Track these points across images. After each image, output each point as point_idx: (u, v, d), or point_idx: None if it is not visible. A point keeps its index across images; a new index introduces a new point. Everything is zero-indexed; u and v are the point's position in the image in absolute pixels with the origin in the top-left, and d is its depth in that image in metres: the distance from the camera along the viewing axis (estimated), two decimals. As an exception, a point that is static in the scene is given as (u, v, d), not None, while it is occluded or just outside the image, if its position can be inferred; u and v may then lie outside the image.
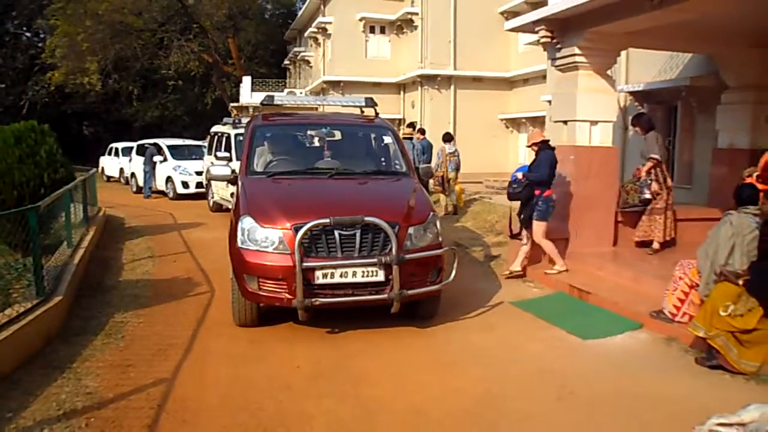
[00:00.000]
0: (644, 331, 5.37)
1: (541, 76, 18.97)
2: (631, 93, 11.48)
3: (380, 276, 5.00)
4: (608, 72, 7.66)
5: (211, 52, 31.53)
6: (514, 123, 22.22)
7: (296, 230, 4.87)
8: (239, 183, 5.87)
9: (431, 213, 5.42)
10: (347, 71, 23.52)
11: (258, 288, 5.06)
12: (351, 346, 5.08)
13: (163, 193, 18.08)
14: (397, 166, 6.41)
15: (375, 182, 6.00)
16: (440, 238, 5.40)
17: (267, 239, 5.03)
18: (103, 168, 25.92)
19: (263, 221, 5.08)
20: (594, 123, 7.56)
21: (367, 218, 4.91)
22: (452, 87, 21.81)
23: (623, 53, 10.28)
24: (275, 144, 6.55)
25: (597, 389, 4.24)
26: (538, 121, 20.08)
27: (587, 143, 7.55)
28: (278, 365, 4.70)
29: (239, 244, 5.12)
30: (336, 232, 4.95)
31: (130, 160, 21.24)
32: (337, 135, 6.68)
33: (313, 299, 4.90)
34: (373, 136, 6.94)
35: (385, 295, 5.00)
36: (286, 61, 36.10)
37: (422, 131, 13.16)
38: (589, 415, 3.88)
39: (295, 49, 32.35)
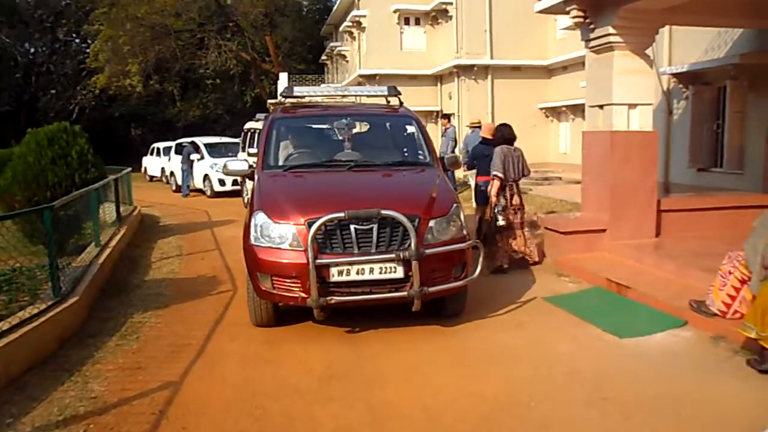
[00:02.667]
0: (688, 328, 4.95)
1: (581, 63, 18.30)
2: (675, 75, 10.89)
3: (399, 272, 4.73)
4: (647, 51, 7.19)
5: (248, 51, 31.72)
6: (554, 112, 21.60)
7: (310, 225, 4.65)
8: (255, 178, 5.69)
9: (454, 204, 5.11)
10: (383, 64, 23.25)
11: (272, 286, 4.86)
12: (368, 347, 4.83)
13: (201, 191, 18.20)
14: (420, 157, 6.12)
15: (396, 174, 5.72)
16: (465, 231, 5.09)
17: (280, 235, 4.82)
18: (145, 168, 26.36)
19: (277, 217, 4.87)
20: (632, 106, 7.10)
21: (383, 211, 4.64)
22: (489, 77, 21.31)
23: (665, 33, 9.77)
24: (293, 137, 6.35)
25: (632, 394, 3.88)
26: (579, 109, 19.45)
27: (625, 128, 7.10)
28: (291, 367, 4.48)
29: (252, 240, 4.93)
30: (352, 227, 4.71)
31: (169, 159, 21.48)
32: (359, 126, 6.44)
33: (329, 298, 4.67)
34: (395, 126, 6.66)
35: (405, 293, 4.73)
36: (323, 57, 36.03)
37: (447, 117, 12.89)
38: (621, 424, 3.52)
39: (332, 44, 32.22)
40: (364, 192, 5.22)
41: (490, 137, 7.97)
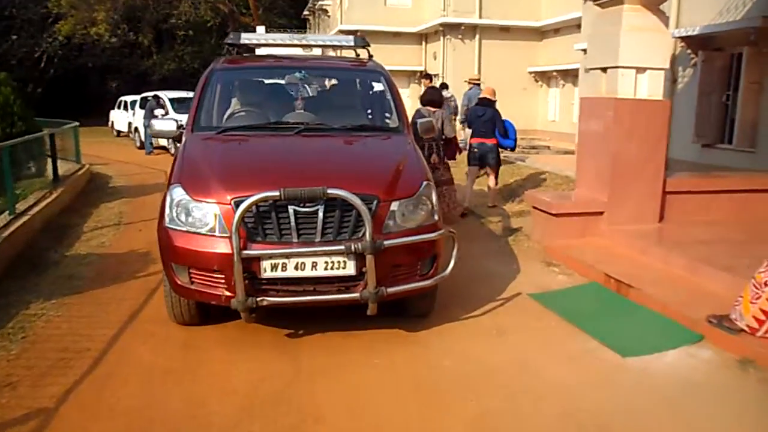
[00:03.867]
0: (707, 345, 4.02)
1: (575, 25, 17.22)
2: (683, 38, 9.81)
3: (350, 268, 3.73)
4: (661, 7, 6.13)
5: (226, 2, 30.04)
6: (545, 76, 20.48)
7: (237, 205, 3.61)
8: (182, 141, 4.62)
9: (424, 182, 4.08)
10: (365, 20, 21.89)
11: (189, 281, 3.84)
12: (310, 359, 3.85)
13: (165, 149, 16.97)
14: (388, 121, 5.08)
15: (355, 141, 4.64)
16: (436, 216, 4.08)
17: (201, 217, 3.78)
18: (112, 122, 24.95)
19: (197, 193, 3.82)
20: (641, 70, 6.07)
21: (331, 190, 3.60)
22: (477, 37, 20.09)
23: (675, -11, 8.67)
24: (236, 92, 5.28)
25: (643, 444, 2.95)
26: (570, 75, 18.40)
27: (632, 95, 6.08)
28: (208, 386, 3.49)
29: (167, 222, 3.88)
30: (291, 209, 3.68)
31: (134, 114, 20.13)
32: (317, 81, 5.34)
33: (259, 298, 3.68)
34: (360, 82, 5.58)
35: (357, 294, 3.74)
36: (306, 12, 34.42)
37: (429, 77, 11.85)
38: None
39: (314, -3, 30.66)
40: (311, 164, 4.15)
41: (491, 98, 8.26)
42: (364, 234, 3.62)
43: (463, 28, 19.87)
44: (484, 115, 8.18)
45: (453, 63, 19.99)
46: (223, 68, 5.28)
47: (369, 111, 5.32)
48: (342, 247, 3.63)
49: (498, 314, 4.69)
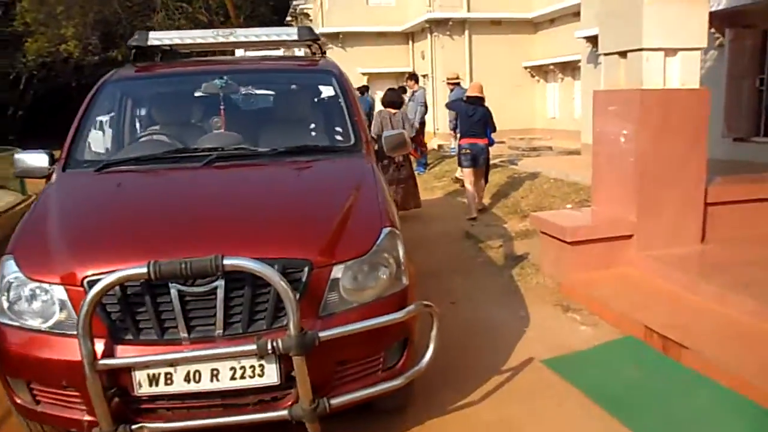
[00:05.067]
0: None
1: (572, 14, 15.90)
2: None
3: (270, 375, 2.42)
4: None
5: (203, 12, 28.76)
6: (541, 71, 19.12)
7: (91, 287, 2.30)
8: (46, 184, 3.31)
9: (385, 229, 2.75)
10: (347, 21, 20.59)
11: (33, 400, 2.53)
12: None
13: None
14: (339, 138, 3.74)
15: (287, 172, 3.28)
16: (405, 280, 2.75)
17: (39, 306, 2.47)
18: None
19: (36, 269, 2.51)
20: (671, 52, 4.75)
21: (229, 260, 2.28)
22: (466, 32, 18.73)
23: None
24: (133, 112, 4.00)
25: None
26: (570, 68, 17.09)
27: (661, 85, 4.75)
28: None
29: (-7, 313, 2.56)
30: (174, 291, 2.37)
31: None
32: (246, 90, 4.03)
33: (136, 425, 2.38)
34: (304, 88, 4.26)
35: (284, 411, 2.43)
36: (288, 18, 33.10)
37: (414, 77, 10.79)
38: None
39: (294, 2, 29.33)
40: (211, 215, 2.79)
41: (480, 96, 7.83)
42: (290, 321, 2.31)
43: (451, 23, 18.53)
44: (475, 115, 7.71)
45: (442, 61, 18.62)
46: (117, 80, 3.97)
47: (314, 125, 3.99)
48: (252, 347, 2.32)
49: (501, 398, 3.35)
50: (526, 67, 19.20)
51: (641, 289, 4.54)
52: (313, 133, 3.91)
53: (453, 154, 10.43)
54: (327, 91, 4.05)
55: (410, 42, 21.29)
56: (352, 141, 3.57)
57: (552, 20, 18.07)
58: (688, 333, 3.71)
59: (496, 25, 18.88)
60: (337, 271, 2.55)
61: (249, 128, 3.72)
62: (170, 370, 2.37)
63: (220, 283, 2.38)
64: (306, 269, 2.48)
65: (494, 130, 7.95)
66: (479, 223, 7.45)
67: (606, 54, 5.14)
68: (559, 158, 12.29)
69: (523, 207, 7.88)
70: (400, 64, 20.65)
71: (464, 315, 4.56)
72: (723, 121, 8.68)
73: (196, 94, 3.91)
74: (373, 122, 7.85)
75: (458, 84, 10.19)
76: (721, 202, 5.16)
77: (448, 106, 9.17)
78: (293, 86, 4.28)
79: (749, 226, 5.30)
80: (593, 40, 11.68)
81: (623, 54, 4.91)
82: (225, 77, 3.79)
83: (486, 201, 8.65)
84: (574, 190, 8.01)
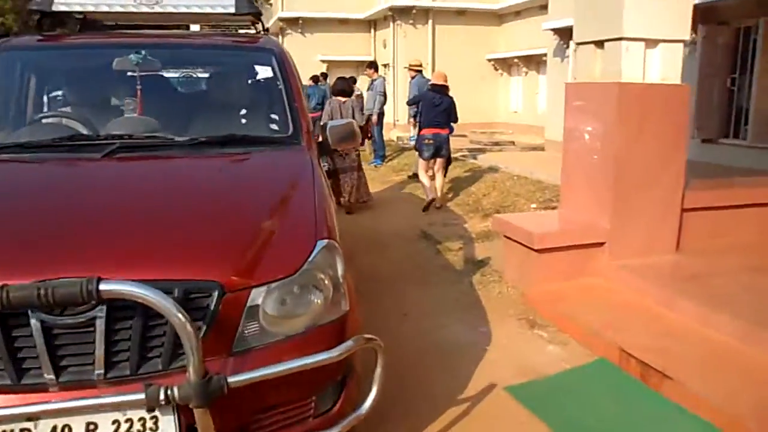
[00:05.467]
0: None
1: (537, 6, 15.59)
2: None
3: (167, 429, 1.86)
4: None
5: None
6: (505, 64, 18.79)
7: None
8: None
9: (320, 242, 2.21)
10: (308, 6, 19.91)
11: None
12: None
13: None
14: (275, 126, 3.18)
15: (206, 167, 2.69)
16: (344, 305, 2.22)
17: None
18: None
19: None
20: (652, 43, 4.32)
21: (107, 284, 1.71)
22: (430, 22, 18.27)
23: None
24: (36, 86, 3.32)
25: None
26: (534, 61, 16.78)
27: (640, 79, 4.32)
28: None
29: None
30: (34, 321, 1.79)
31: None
32: (169, 68, 3.43)
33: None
34: (237, 67, 3.67)
35: (182, 478, 1.88)
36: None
37: (374, 66, 10.38)
38: None
39: (255, -16, 28.40)
40: (96, 221, 2.20)
41: (442, 84, 7.65)
42: (190, 360, 1.76)
43: (414, 11, 18.02)
44: (441, 104, 7.48)
45: (404, 51, 18.10)
46: (11, 48, 3.31)
47: (245, 112, 3.39)
48: (142, 396, 1.76)
49: (461, 437, 2.87)
50: (489, 60, 18.84)
51: (614, 304, 4.12)
52: (244, 121, 3.32)
53: (412, 143, 9.93)
54: (264, 73, 3.47)
55: (372, 30, 20.71)
56: (290, 131, 3.00)
57: (518, 12, 17.74)
58: (669, 358, 3.28)
59: (460, 15, 18.45)
60: (257, 296, 2.01)
61: (169, 113, 3.13)
62: (28, 425, 1.79)
63: (100, 312, 1.81)
64: (215, 294, 1.93)
65: (456, 120, 7.80)
66: (437, 221, 6.98)
67: (580, 43, 4.68)
68: (522, 154, 11.93)
69: (484, 205, 7.44)
70: (361, 53, 20.06)
71: (418, 329, 4.07)
72: (693, 121, 8.40)
73: (111, 70, 3.27)
74: (323, 112, 7.95)
75: (420, 72, 9.70)
76: (696, 208, 4.79)
77: (411, 102, 8.58)
78: (225, 65, 3.67)
79: (723, 234, 4.96)
80: (561, 32, 11.33)
81: (600, 44, 4.46)
82: (143, 52, 3.17)
83: (446, 197, 8.19)
84: (538, 189, 7.60)
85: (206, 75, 3.73)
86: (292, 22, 20.21)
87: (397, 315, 4.29)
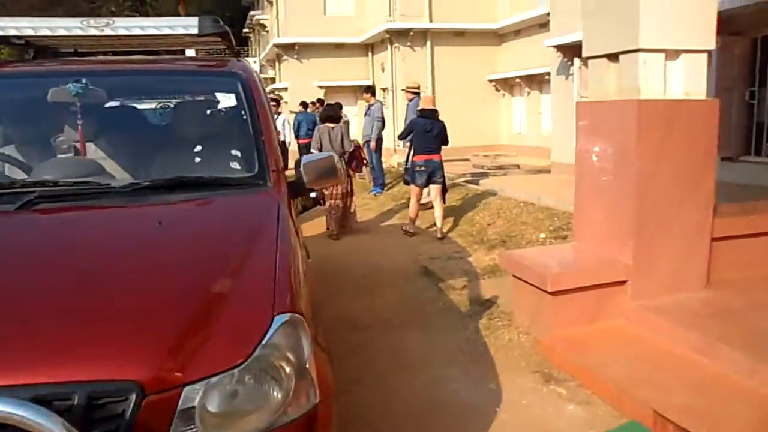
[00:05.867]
0: None
1: (538, 24, 15.23)
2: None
3: None
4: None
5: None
6: (506, 84, 18.41)
7: None
8: None
9: (281, 317, 1.69)
10: (304, 31, 19.66)
11: None
12: None
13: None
14: (235, 165, 2.69)
15: (144, 219, 2.18)
16: (313, 396, 1.71)
17: None
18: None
19: None
20: (673, 54, 3.85)
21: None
22: (428, 44, 17.93)
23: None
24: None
25: None
26: (536, 81, 16.39)
27: (661, 95, 3.84)
28: None
29: None
30: None
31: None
32: (115, 99, 2.96)
33: None
34: (195, 96, 3.20)
35: None
36: (245, 29, 32.02)
37: (371, 90, 10.19)
38: None
39: (251, 12, 28.29)
40: None
41: (432, 108, 7.46)
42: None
43: (412, 34, 17.69)
44: (433, 130, 7.23)
45: (403, 74, 17.71)
46: None
47: (201, 149, 2.90)
48: None
49: None
50: (490, 80, 18.46)
51: (641, 352, 3.58)
52: (199, 159, 2.82)
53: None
54: (227, 101, 3.00)
55: (370, 54, 20.41)
56: (255, 169, 2.51)
57: (517, 31, 17.38)
58: (713, 422, 2.75)
59: (459, 36, 18.12)
60: (193, 394, 1.50)
61: (113, 152, 2.65)
62: None
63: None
64: (132, 397, 1.43)
65: (447, 143, 7.56)
66: (439, 255, 6.47)
67: (591, 57, 4.21)
68: (528, 178, 11.45)
69: (489, 235, 6.93)
70: (359, 77, 19.74)
71: (417, 385, 3.55)
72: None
73: (46, 103, 2.81)
74: (313, 138, 7.80)
75: (418, 94, 9.25)
76: (727, 236, 4.27)
77: (403, 135, 7.86)
78: (182, 93, 3.21)
79: (756, 264, 4.43)
80: (564, 49, 10.92)
81: (614, 57, 3.98)
82: (83, 81, 2.71)
83: (448, 226, 7.69)
84: (547, 216, 7.10)
85: (160, 106, 3.24)
86: (288, 48, 19.94)
87: (394, 368, 3.78)
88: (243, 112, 2.77)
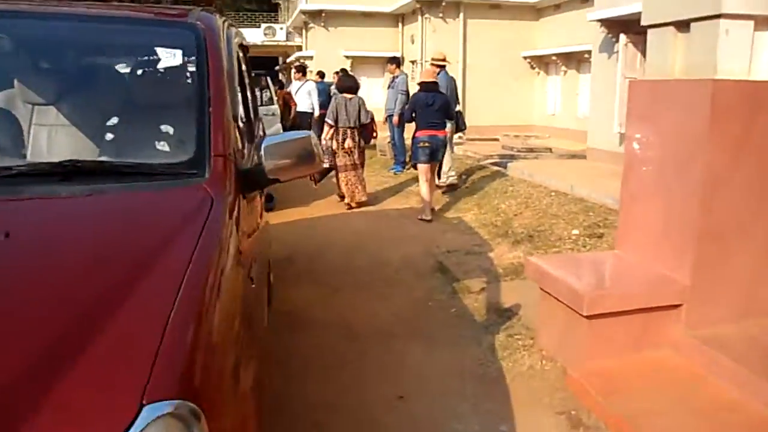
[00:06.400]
0: None
1: (579, -1, 14.20)
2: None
3: None
4: None
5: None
6: (542, 62, 17.38)
7: None
8: None
9: (156, 407, 1.00)
10: (331, -1, 18.79)
11: None
12: None
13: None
14: (164, 146, 1.98)
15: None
16: None
17: None
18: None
19: None
20: (764, 24, 3.03)
21: None
22: (461, 16, 16.93)
23: None
24: None
25: None
26: (574, 59, 15.40)
27: (744, 75, 3.03)
28: None
29: None
30: None
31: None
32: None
33: None
34: (129, 53, 2.49)
35: None
36: (274, -3, 31.20)
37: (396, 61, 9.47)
38: None
39: (280, -23, 27.44)
40: None
41: (432, 81, 7.13)
42: None
43: (444, 4, 16.69)
44: (435, 103, 6.84)
45: (433, 46, 16.63)
46: None
47: (115, 120, 2.16)
48: None
49: None
50: (525, 57, 17.45)
51: (697, 399, 2.84)
52: (110, 136, 2.09)
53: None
54: (169, 60, 2.27)
55: (400, 24, 19.47)
56: (191, 154, 1.79)
57: (557, 6, 16.31)
58: None
59: (494, 8, 17.10)
60: None
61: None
62: None
63: None
64: None
65: (452, 118, 7.42)
66: (457, 248, 5.73)
67: (653, 26, 3.39)
68: (560, 163, 10.58)
69: (515, 228, 6.16)
70: (387, 48, 18.82)
71: (410, 421, 2.87)
72: None
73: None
74: (328, 109, 7.48)
75: (443, 67, 8.42)
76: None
77: (407, 117, 7.16)
78: (109, 47, 2.48)
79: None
80: (610, 23, 9.96)
81: (683, 25, 3.17)
82: None
83: (466, 218, 6.95)
84: (581, 209, 6.30)
85: (82, 64, 2.48)
86: (315, 15, 19.10)
87: (385, 394, 3.10)
88: (188, 75, 2.05)
